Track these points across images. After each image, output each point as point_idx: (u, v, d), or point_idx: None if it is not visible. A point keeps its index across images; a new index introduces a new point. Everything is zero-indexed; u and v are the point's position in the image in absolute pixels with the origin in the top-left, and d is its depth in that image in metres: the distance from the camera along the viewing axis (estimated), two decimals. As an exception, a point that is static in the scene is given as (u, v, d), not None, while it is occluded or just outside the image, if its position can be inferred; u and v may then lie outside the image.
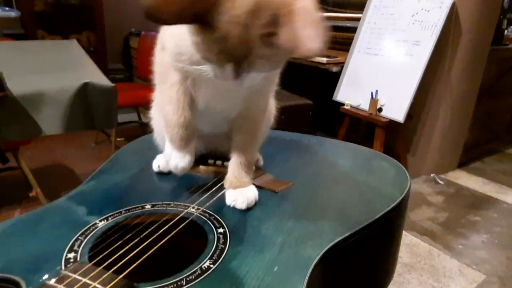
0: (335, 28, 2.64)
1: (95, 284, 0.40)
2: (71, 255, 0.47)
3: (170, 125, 0.62)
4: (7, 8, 3.01)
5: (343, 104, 2.34)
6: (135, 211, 0.58)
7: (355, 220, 0.56)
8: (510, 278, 1.51)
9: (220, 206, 0.61)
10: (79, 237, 0.51)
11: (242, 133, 0.66)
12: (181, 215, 0.57)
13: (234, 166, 0.65)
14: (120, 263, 0.46)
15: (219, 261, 0.47)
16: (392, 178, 0.73)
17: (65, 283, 0.41)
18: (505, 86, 2.71)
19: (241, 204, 0.60)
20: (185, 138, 0.62)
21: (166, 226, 0.53)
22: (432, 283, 1.46)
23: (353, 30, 2.43)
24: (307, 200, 0.64)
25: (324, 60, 2.44)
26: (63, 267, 0.45)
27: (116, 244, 0.50)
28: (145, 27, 2.92)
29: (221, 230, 0.54)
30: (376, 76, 2.23)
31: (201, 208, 0.59)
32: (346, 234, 0.53)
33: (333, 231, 0.54)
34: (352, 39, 2.41)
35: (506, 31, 2.59)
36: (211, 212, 0.58)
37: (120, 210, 0.58)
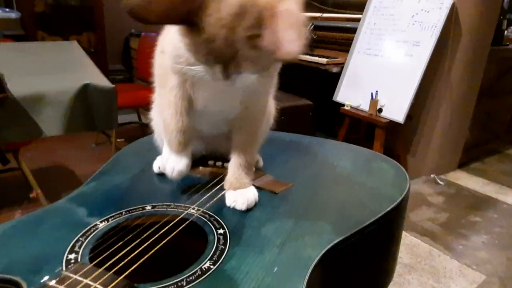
0: (335, 29, 2.65)
1: (96, 285, 0.41)
2: (72, 256, 0.47)
3: (168, 130, 0.64)
4: (7, 9, 3.02)
5: (343, 105, 2.34)
6: (135, 212, 0.58)
7: (355, 221, 0.57)
8: (510, 279, 1.51)
9: (220, 207, 0.61)
10: (80, 238, 0.51)
11: (242, 134, 0.66)
12: (182, 216, 0.57)
13: (234, 167, 0.65)
14: (121, 264, 0.46)
15: (219, 261, 0.47)
16: (392, 179, 0.73)
17: (66, 284, 0.41)
18: (505, 86, 2.71)
19: (241, 205, 0.60)
20: (183, 142, 0.63)
21: (167, 227, 0.53)
22: (433, 283, 1.46)
23: (353, 30, 2.43)
24: (307, 201, 0.65)
25: (324, 60, 2.44)
26: (64, 268, 0.45)
27: (117, 245, 0.50)
28: (145, 28, 2.92)
29: (221, 231, 0.54)
30: (376, 77, 2.23)
31: (201, 209, 0.59)
32: (346, 235, 0.53)
33: (333, 231, 0.54)
34: (352, 40, 2.41)
35: (506, 32, 2.59)
36: (211, 213, 0.58)
37: (121, 211, 0.58)
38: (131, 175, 0.72)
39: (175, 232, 0.53)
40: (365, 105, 2.23)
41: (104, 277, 0.42)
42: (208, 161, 0.76)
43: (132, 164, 0.78)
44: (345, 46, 2.50)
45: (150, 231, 0.53)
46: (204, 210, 0.59)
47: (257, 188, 0.65)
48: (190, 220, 0.56)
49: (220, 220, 0.57)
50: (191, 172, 0.68)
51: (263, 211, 0.60)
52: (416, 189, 2.23)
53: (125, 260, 0.47)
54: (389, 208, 0.60)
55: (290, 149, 0.89)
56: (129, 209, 0.59)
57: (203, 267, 0.46)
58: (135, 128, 2.98)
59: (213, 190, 0.65)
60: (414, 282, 1.46)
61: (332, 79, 2.44)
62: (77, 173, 2.28)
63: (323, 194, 0.69)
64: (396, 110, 2.09)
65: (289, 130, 0.95)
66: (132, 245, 0.50)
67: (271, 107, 0.74)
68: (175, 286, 0.43)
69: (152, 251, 0.49)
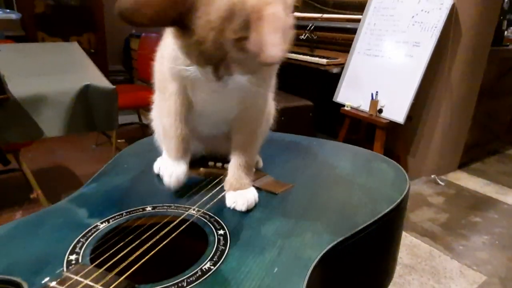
0: (335, 30, 2.65)
1: (97, 285, 0.41)
2: (73, 257, 0.47)
3: (167, 136, 0.65)
4: (7, 10, 3.03)
5: (344, 105, 2.34)
6: (136, 213, 0.58)
7: (355, 221, 0.57)
8: (510, 279, 1.51)
9: (221, 208, 0.61)
10: (81, 239, 0.51)
11: (242, 134, 0.66)
12: (182, 217, 0.57)
13: (234, 168, 0.65)
14: (122, 265, 0.46)
15: (220, 262, 0.47)
16: (392, 179, 0.73)
17: (67, 284, 0.41)
18: (505, 86, 2.71)
19: (241, 206, 0.60)
20: (181, 149, 0.64)
21: (167, 228, 0.54)
22: (433, 284, 1.46)
23: (353, 31, 2.43)
24: (307, 201, 0.65)
25: (324, 61, 2.44)
26: (65, 269, 0.45)
27: (118, 246, 0.50)
28: (146, 29, 2.92)
29: (221, 231, 0.54)
30: (376, 77, 2.23)
31: (202, 210, 0.60)
32: (346, 235, 0.53)
33: (332, 232, 0.54)
34: (352, 41, 2.41)
35: (506, 32, 2.59)
36: (212, 214, 0.59)
37: (121, 212, 0.58)
38: (131, 176, 0.73)
39: (175, 233, 0.53)
40: (365, 106, 2.23)
41: (105, 278, 0.42)
42: (208, 162, 0.76)
43: (132, 165, 0.78)
44: (345, 46, 2.50)
45: (150, 232, 0.53)
46: (205, 211, 0.59)
47: (257, 188, 0.65)
48: (190, 221, 0.56)
49: (220, 221, 0.57)
50: (192, 173, 0.68)
51: (263, 211, 0.61)
52: (417, 189, 2.23)
53: (126, 261, 0.47)
54: (388, 209, 0.60)
55: (290, 149, 0.89)
56: (129, 210, 0.59)
57: (203, 268, 0.46)
58: (136, 128, 2.98)
59: (213, 191, 0.66)
60: (415, 283, 1.46)
61: (332, 80, 2.44)
62: (77, 174, 2.28)
63: (323, 195, 0.69)
64: (396, 110, 2.09)
65: (289, 131, 0.95)
66: (133, 246, 0.50)
67: (271, 108, 0.74)
68: (176, 286, 0.43)
69: (153, 252, 0.49)
